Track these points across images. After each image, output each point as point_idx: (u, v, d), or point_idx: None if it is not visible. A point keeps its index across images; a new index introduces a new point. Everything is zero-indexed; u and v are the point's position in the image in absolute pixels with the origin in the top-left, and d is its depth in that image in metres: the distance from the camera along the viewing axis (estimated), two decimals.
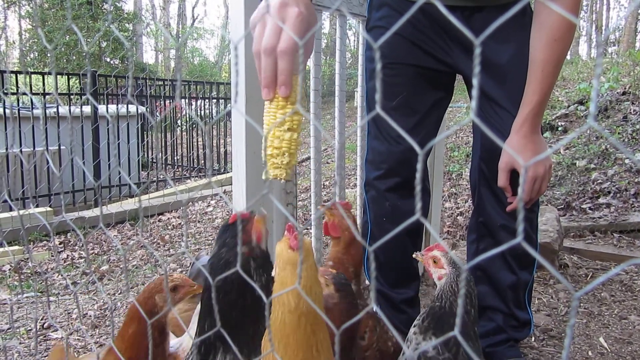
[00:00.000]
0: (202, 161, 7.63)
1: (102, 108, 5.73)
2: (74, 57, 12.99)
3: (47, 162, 5.03)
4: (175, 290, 1.20)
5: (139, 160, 6.36)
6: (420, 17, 1.52)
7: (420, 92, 1.59)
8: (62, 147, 5.33)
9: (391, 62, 1.58)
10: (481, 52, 1.53)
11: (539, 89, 1.33)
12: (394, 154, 1.60)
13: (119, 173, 5.67)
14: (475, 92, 0.38)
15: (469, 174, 1.71)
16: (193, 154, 7.58)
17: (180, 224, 4.83)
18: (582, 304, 2.35)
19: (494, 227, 1.55)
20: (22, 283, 3.15)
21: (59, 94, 5.98)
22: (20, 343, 2.19)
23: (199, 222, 4.88)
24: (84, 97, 5.96)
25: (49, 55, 12.89)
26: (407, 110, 1.58)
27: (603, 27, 20.45)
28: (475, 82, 0.35)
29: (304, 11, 0.90)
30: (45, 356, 2.08)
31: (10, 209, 4.46)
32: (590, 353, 1.94)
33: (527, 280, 1.60)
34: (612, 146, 4.61)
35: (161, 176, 6.64)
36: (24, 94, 5.29)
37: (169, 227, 4.71)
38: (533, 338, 2.04)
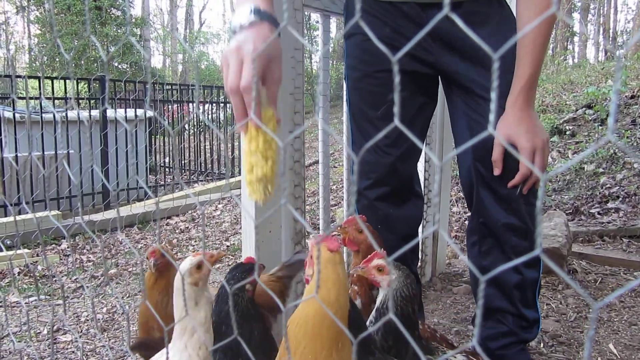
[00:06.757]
0: (210, 165, 7.66)
1: (112, 113, 5.78)
2: (83, 62, 13.11)
3: (57, 168, 5.07)
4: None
5: (147, 167, 6.39)
6: (397, 18, 1.53)
7: (405, 99, 1.59)
8: (71, 152, 5.38)
9: (376, 71, 1.58)
10: (458, 39, 1.53)
11: (531, 61, 1.34)
12: (383, 165, 1.63)
13: (128, 177, 5.71)
14: (494, 105, 0.39)
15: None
16: (201, 158, 7.61)
17: (187, 227, 4.86)
18: (591, 310, 2.34)
19: (495, 226, 1.53)
20: (34, 286, 3.17)
21: (68, 99, 6.03)
22: (29, 346, 2.21)
23: (206, 225, 4.90)
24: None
25: (57, 61, 13.02)
26: (392, 119, 1.58)
27: (610, 30, 20.36)
28: (493, 95, 0.36)
29: (258, 46, 0.97)
30: (56, 359, 2.10)
31: (20, 212, 4.50)
32: (600, 359, 1.93)
33: (534, 278, 1.57)
34: (620, 150, 4.58)
35: (170, 180, 6.68)
36: (37, 98, 5.34)
37: (177, 231, 4.73)
38: (542, 344, 2.03)
